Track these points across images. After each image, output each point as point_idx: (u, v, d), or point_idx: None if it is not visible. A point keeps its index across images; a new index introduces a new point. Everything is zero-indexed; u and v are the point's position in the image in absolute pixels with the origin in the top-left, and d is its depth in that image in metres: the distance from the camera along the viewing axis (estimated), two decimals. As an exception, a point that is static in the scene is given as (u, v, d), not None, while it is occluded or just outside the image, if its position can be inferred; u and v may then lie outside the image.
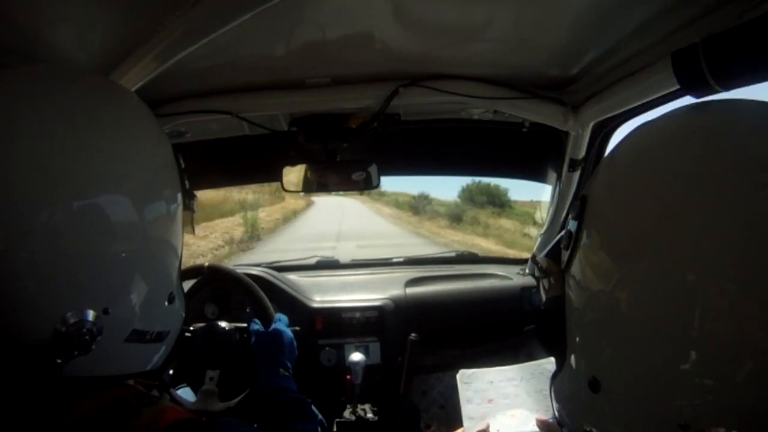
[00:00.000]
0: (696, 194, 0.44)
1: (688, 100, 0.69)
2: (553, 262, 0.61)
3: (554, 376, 0.61)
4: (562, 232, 0.61)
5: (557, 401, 0.60)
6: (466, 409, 0.90)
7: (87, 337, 0.51)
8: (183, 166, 0.66)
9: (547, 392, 0.67)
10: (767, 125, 0.47)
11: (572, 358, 0.56)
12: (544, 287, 0.67)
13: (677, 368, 0.43)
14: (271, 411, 0.86)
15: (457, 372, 0.97)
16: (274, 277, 1.41)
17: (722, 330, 0.41)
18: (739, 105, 0.51)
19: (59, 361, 0.50)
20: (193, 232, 0.71)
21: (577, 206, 0.55)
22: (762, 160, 0.43)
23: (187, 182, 0.67)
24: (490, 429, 0.86)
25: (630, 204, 0.49)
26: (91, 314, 0.51)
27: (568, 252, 0.55)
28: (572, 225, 0.55)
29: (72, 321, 0.50)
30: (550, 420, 0.82)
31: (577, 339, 0.54)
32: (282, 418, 0.83)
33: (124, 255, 0.55)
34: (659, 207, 0.46)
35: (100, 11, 0.70)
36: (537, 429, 0.83)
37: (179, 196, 0.64)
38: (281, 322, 1.08)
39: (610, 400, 0.49)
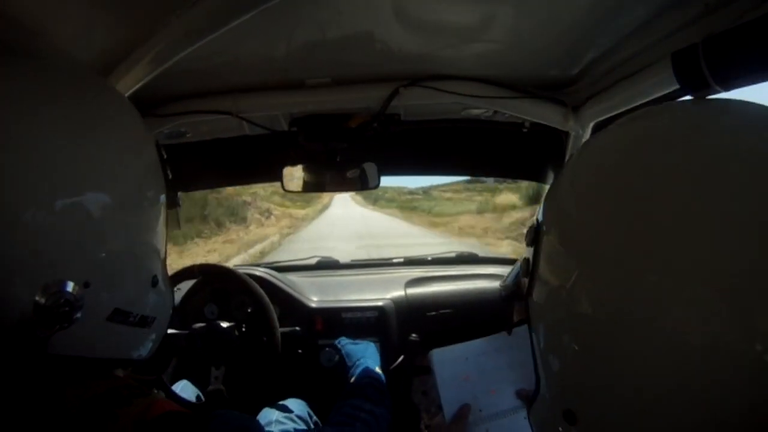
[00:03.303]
0: (662, 193, 0.42)
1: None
2: (517, 288, 0.60)
3: (532, 400, 0.59)
4: (519, 262, 0.60)
5: (535, 425, 0.59)
6: (444, 393, 0.88)
7: (66, 308, 0.51)
8: (165, 156, 0.67)
9: (526, 363, 0.65)
10: (748, 124, 0.45)
11: (543, 385, 0.54)
12: (513, 313, 0.67)
13: (651, 389, 0.41)
14: (350, 387, 0.92)
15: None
16: (274, 277, 1.41)
17: (694, 339, 0.39)
18: (719, 104, 0.50)
19: (40, 334, 0.50)
20: (178, 227, 0.72)
21: (531, 233, 0.55)
22: (737, 159, 0.41)
23: (169, 173, 0.67)
24: (472, 409, 0.83)
25: (591, 206, 0.47)
26: (70, 285, 0.52)
27: (528, 279, 0.54)
28: (528, 252, 0.55)
29: (51, 291, 0.51)
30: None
31: (545, 366, 0.52)
32: (354, 395, 0.89)
33: (108, 244, 0.56)
34: (622, 208, 0.44)
35: (101, 11, 0.70)
36: (520, 403, 0.81)
37: (162, 190, 0.65)
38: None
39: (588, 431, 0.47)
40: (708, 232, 0.39)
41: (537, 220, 0.55)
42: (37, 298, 0.50)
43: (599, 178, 0.48)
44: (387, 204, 33.10)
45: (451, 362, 0.88)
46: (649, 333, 0.40)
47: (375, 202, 34.85)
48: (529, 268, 0.54)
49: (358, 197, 37.15)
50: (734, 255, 0.38)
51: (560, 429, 0.50)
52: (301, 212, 22.23)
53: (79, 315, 0.53)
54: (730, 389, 0.38)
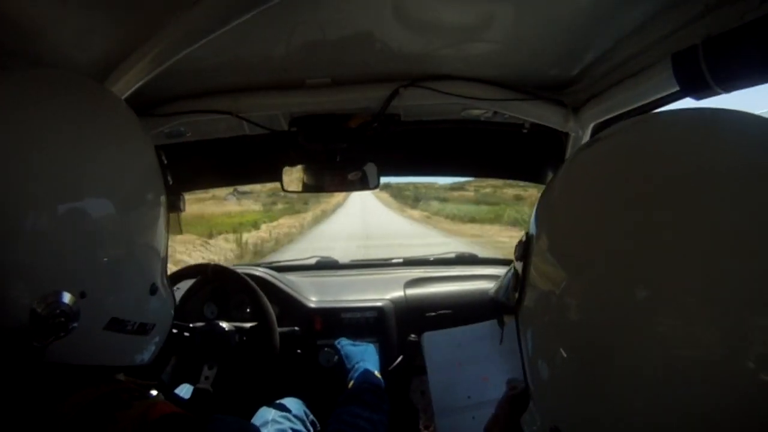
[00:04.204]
0: (653, 204, 0.41)
1: (688, 101, 0.69)
2: (506, 301, 0.58)
3: (522, 409, 0.58)
4: (509, 272, 0.58)
5: None
6: (432, 376, 0.85)
7: (62, 318, 0.51)
8: (166, 162, 0.67)
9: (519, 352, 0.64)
10: (745, 137, 0.44)
11: (533, 395, 0.53)
12: (500, 324, 0.65)
13: (638, 402, 0.40)
14: (349, 392, 0.91)
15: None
16: (273, 277, 1.41)
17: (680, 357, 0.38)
18: (705, 113, 0.49)
19: (36, 344, 0.50)
20: (180, 231, 0.71)
21: (521, 247, 0.53)
22: (733, 172, 0.40)
23: (170, 179, 0.67)
24: (460, 395, 0.82)
25: (582, 214, 0.46)
26: (67, 296, 0.52)
27: (517, 292, 0.53)
28: (518, 266, 0.53)
29: (47, 302, 0.51)
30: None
31: (533, 375, 0.52)
32: (353, 401, 0.87)
33: (106, 252, 0.56)
34: (613, 218, 0.43)
35: (101, 12, 0.70)
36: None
37: (162, 196, 0.65)
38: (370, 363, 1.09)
39: None
40: (698, 244, 0.38)
41: (527, 233, 0.54)
42: (33, 307, 0.50)
43: (591, 187, 0.48)
44: (441, 208, 20.85)
45: (444, 346, 0.87)
46: (638, 343, 0.39)
47: (416, 203, 23.12)
48: (518, 283, 0.53)
49: (384, 195, 25.18)
50: (726, 268, 0.38)
51: None
52: (224, 246, 9.98)
53: (75, 325, 0.52)
54: (718, 403, 0.38)
